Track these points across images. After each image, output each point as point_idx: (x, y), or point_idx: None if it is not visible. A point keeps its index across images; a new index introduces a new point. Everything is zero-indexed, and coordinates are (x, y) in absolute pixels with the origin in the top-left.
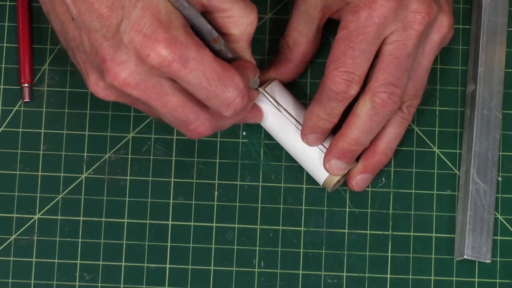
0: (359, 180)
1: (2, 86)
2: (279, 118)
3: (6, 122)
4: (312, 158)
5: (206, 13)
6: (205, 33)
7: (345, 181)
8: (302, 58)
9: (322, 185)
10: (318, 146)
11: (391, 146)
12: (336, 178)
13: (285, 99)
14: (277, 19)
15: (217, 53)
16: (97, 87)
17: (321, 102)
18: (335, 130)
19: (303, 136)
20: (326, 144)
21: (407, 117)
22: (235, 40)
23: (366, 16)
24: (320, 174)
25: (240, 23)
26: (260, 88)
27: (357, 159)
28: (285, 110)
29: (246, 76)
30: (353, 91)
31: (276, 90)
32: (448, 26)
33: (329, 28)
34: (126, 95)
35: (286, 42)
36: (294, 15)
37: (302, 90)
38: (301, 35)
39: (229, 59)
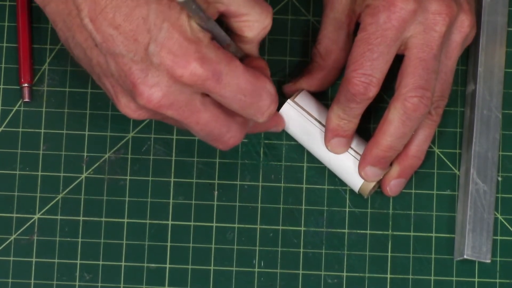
0: (393, 185)
1: (2, 86)
2: (309, 128)
3: (6, 122)
4: (346, 166)
5: (221, 17)
6: (219, 39)
7: (379, 186)
8: (335, 64)
9: (358, 191)
10: (351, 153)
11: (422, 149)
12: (372, 184)
13: (315, 109)
14: (277, 19)
15: None
16: (128, 109)
17: (340, 103)
18: (367, 137)
19: (327, 142)
20: (358, 150)
21: (435, 119)
22: (246, 41)
23: (385, 19)
24: (355, 181)
25: (256, 27)
26: (289, 100)
27: (390, 164)
28: (315, 119)
29: (269, 78)
30: (371, 93)
31: (305, 100)
32: (470, 26)
33: None
34: (159, 114)
35: (318, 50)
36: (324, 23)
37: (324, 92)
38: (332, 42)
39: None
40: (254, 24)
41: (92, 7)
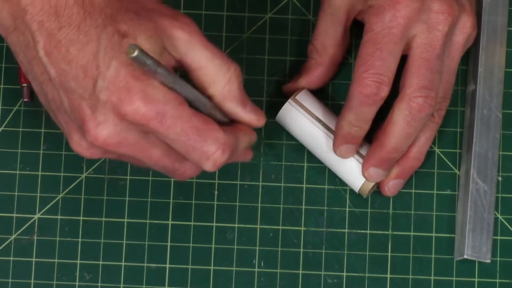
0: (392, 185)
1: (2, 86)
2: (310, 128)
3: (6, 122)
4: (346, 166)
5: (186, 73)
6: (196, 103)
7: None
8: (332, 60)
9: (358, 192)
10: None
11: (423, 151)
12: (371, 184)
13: (316, 108)
14: (277, 19)
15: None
16: (80, 148)
17: (351, 107)
18: (368, 138)
19: (335, 147)
20: (361, 151)
21: (437, 121)
22: (219, 101)
23: (391, 17)
24: (356, 181)
25: (217, 82)
26: (290, 99)
27: None
28: (316, 118)
29: (236, 136)
30: (384, 93)
31: (306, 99)
32: (471, 27)
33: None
34: (110, 152)
35: (314, 47)
36: (321, 19)
37: (325, 92)
38: (329, 37)
39: (226, 123)
40: (215, 79)
41: (47, 40)
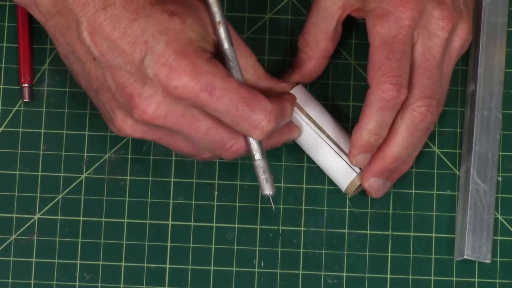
0: (373, 182)
1: (2, 86)
2: (300, 124)
3: (6, 122)
4: (332, 165)
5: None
6: (236, 66)
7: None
8: (323, 53)
9: (344, 191)
10: (336, 151)
11: (412, 156)
12: (357, 185)
13: (307, 105)
14: (277, 19)
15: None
16: (124, 124)
17: (371, 115)
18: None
19: (352, 157)
20: (344, 147)
21: (431, 127)
22: (253, 82)
23: (396, 19)
24: (342, 182)
25: (246, 70)
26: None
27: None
28: (307, 115)
29: (281, 104)
30: (403, 95)
31: (298, 96)
32: (468, 33)
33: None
34: (153, 130)
35: (305, 40)
36: (313, 12)
37: (324, 92)
38: (320, 30)
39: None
40: (245, 67)
41: (91, 21)
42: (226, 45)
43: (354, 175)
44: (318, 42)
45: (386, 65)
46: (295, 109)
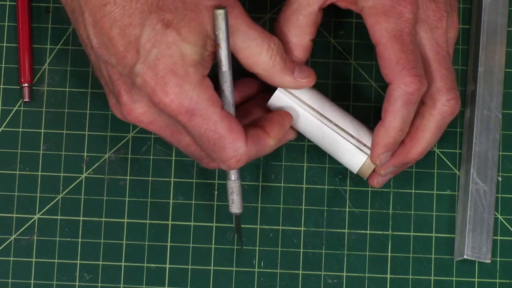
0: (382, 180)
1: (2, 86)
2: (303, 115)
3: (6, 122)
4: (343, 150)
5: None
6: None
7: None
8: (308, 37)
9: (357, 173)
10: (348, 139)
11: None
12: (372, 168)
13: (305, 94)
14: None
15: None
16: (115, 111)
17: (396, 112)
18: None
19: (375, 157)
20: (348, 129)
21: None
22: (266, 77)
23: (399, 13)
24: (355, 165)
25: (261, 61)
26: (279, 87)
27: None
28: (307, 105)
29: (259, 142)
30: (425, 86)
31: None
32: (458, 22)
33: (328, 27)
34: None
35: (287, 29)
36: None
37: (324, 91)
38: (303, 16)
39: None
40: (259, 59)
41: (92, 13)
42: (223, 68)
43: (365, 157)
44: (302, 28)
45: (404, 58)
46: (296, 99)
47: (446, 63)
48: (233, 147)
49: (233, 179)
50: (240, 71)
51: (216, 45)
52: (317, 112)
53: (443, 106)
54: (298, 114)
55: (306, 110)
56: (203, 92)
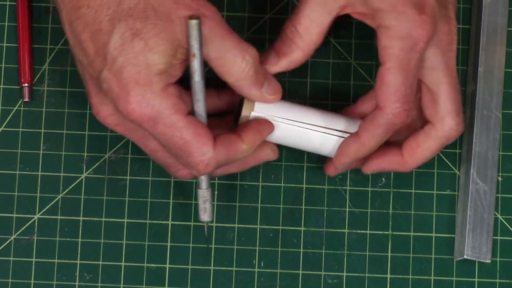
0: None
1: (2, 86)
2: (283, 128)
3: (6, 122)
4: (332, 146)
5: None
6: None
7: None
8: (314, 46)
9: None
10: (334, 134)
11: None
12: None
13: (278, 109)
14: (277, 19)
15: None
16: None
17: (376, 135)
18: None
19: (340, 164)
20: (327, 124)
21: None
22: (236, 88)
23: (414, 42)
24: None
25: (233, 72)
26: (252, 112)
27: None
28: (283, 118)
29: (230, 147)
30: (409, 120)
31: (263, 104)
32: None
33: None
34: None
35: (297, 30)
36: (310, 3)
37: (303, 91)
38: (315, 24)
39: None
40: (231, 69)
41: (68, 13)
42: (196, 78)
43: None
44: (311, 36)
45: (402, 91)
46: (270, 117)
47: (456, 86)
48: (200, 152)
49: (204, 188)
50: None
51: (189, 55)
52: (293, 120)
53: (451, 130)
54: (278, 127)
55: (284, 122)
56: (166, 100)
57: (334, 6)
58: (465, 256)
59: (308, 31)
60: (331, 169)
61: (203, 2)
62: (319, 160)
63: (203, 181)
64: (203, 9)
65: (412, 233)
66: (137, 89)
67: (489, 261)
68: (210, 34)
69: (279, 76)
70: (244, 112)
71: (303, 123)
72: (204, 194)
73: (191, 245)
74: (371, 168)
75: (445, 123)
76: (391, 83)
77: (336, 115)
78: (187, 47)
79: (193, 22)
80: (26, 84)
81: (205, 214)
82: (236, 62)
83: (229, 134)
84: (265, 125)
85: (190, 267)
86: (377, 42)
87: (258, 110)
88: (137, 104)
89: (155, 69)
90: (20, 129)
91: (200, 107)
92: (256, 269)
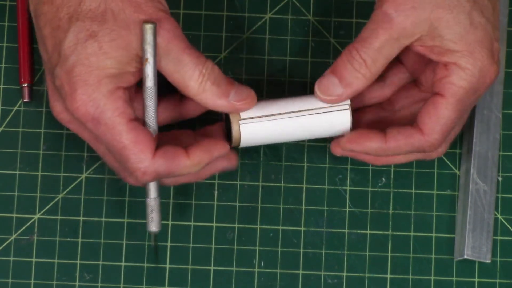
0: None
1: (2, 86)
2: (276, 125)
3: (6, 122)
4: (325, 124)
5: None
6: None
7: None
8: (377, 77)
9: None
10: (319, 111)
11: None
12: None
13: (265, 108)
14: (277, 19)
15: None
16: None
17: (403, 150)
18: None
19: (349, 147)
20: (314, 105)
21: None
22: (198, 101)
23: (477, 91)
24: (343, 129)
25: (191, 85)
26: (240, 121)
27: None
28: (272, 115)
29: (170, 160)
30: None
31: (250, 110)
32: None
33: (328, 27)
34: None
35: (365, 62)
36: (381, 39)
37: (303, 91)
38: (383, 57)
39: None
40: (188, 83)
41: (34, 8)
42: (148, 83)
43: (347, 113)
44: (377, 68)
45: (449, 126)
46: (260, 118)
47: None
48: (137, 158)
49: (152, 196)
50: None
51: (143, 60)
52: (280, 113)
53: (432, 145)
54: (269, 126)
55: (271, 119)
56: (112, 102)
57: (405, 42)
58: (465, 256)
59: (376, 64)
60: (338, 149)
61: (164, 14)
62: (319, 160)
63: (151, 189)
64: (163, 21)
65: (412, 233)
66: (84, 88)
67: (489, 261)
68: (168, 48)
69: (278, 76)
70: (234, 126)
71: (296, 111)
72: (151, 203)
73: (191, 245)
74: (347, 147)
75: (432, 136)
76: (444, 117)
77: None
78: (142, 53)
79: (148, 27)
80: (26, 84)
81: (152, 223)
82: (193, 76)
83: (175, 148)
84: (217, 145)
85: (190, 267)
86: (437, 73)
87: (244, 115)
88: (82, 103)
89: (107, 72)
90: (20, 129)
91: (150, 114)
92: (256, 269)
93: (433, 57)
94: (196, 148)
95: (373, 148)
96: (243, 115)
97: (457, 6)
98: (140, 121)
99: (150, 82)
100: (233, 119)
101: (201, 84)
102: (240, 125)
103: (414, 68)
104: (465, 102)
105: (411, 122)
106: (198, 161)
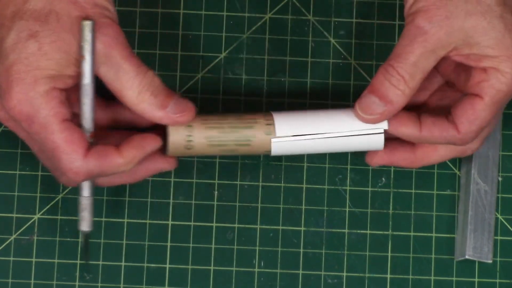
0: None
1: None
2: (308, 145)
3: None
4: (359, 142)
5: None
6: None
7: None
8: (416, 90)
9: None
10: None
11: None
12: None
13: (300, 126)
14: (277, 19)
15: None
16: None
17: (433, 138)
18: None
19: (387, 162)
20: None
21: None
22: (134, 111)
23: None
24: (376, 144)
25: (129, 95)
26: (272, 139)
27: None
28: (305, 135)
29: (103, 160)
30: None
31: (284, 127)
32: None
33: (328, 27)
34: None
35: (403, 79)
36: (416, 53)
37: (303, 91)
38: (421, 71)
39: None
40: (127, 93)
41: None
42: (85, 80)
43: (381, 136)
44: (416, 82)
45: (483, 125)
46: (294, 137)
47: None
48: (69, 159)
49: (85, 195)
50: None
51: (79, 56)
52: (314, 134)
53: (466, 138)
54: (302, 144)
55: (305, 139)
56: (47, 102)
57: (441, 53)
58: (466, 256)
59: (414, 78)
60: (376, 159)
61: (109, 20)
62: (319, 160)
63: (83, 188)
64: (106, 27)
65: (412, 233)
66: (21, 87)
67: (491, 261)
68: (108, 54)
69: (279, 76)
70: (171, 138)
71: (330, 133)
72: (83, 201)
73: (191, 245)
74: (378, 162)
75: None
76: (481, 117)
77: (343, 113)
78: (80, 50)
79: (85, 23)
80: None
81: (83, 223)
82: (133, 85)
83: (107, 146)
84: (148, 140)
85: (190, 267)
86: (474, 76)
87: (280, 133)
88: (17, 101)
89: (45, 73)
90: None
91: (86, 111)
92: (256, 269)
93: (471, 63)
94: (127, 145)
95: (407, 133)
96: (278, 132)
97: (488, 11)
98: (76, 122)
99: (87, 79)
100: (171, 131)
101: (140, 94)
102: (272, 142)
103: (448, 73)
104: (502, 104)
105: (441, 108)
106: (131, 158)
